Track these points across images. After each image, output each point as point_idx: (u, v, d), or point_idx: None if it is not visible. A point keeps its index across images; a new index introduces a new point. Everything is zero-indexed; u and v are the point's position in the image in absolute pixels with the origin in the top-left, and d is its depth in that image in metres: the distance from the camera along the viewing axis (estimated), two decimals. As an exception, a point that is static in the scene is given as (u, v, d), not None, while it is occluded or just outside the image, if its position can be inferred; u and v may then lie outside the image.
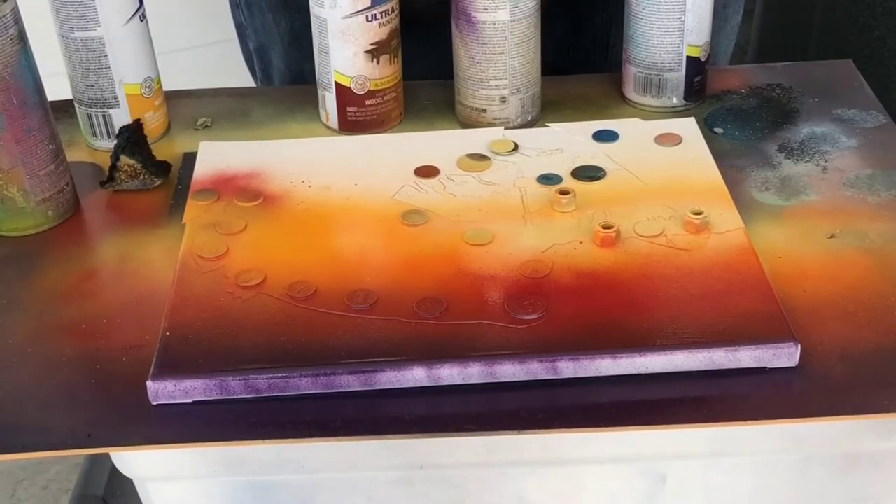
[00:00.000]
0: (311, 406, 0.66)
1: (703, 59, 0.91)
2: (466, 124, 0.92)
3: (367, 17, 0.86)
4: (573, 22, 1.11)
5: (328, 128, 0.92)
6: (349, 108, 0.90)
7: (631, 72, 0.93)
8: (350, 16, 0.85)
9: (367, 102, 0.90)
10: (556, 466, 0.72)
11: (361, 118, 0.90)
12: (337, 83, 0.89)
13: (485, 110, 0.90)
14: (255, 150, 0.87)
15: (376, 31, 0.87)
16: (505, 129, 0.89)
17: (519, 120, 0.91)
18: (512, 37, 0.87)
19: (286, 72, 1.12)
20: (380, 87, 0.90)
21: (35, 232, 0.81)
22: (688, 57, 0.90)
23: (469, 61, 0.89)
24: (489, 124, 0.90)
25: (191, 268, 0.74)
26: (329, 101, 0.91)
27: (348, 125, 0.91)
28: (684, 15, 0.88)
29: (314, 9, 0.87)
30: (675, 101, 0.92)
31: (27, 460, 1.52)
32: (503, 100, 0.89)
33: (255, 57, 1.16)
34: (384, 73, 0.89)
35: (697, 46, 0.90)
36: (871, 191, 0.82)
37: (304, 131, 0.92)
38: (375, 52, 0.88)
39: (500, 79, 0.89)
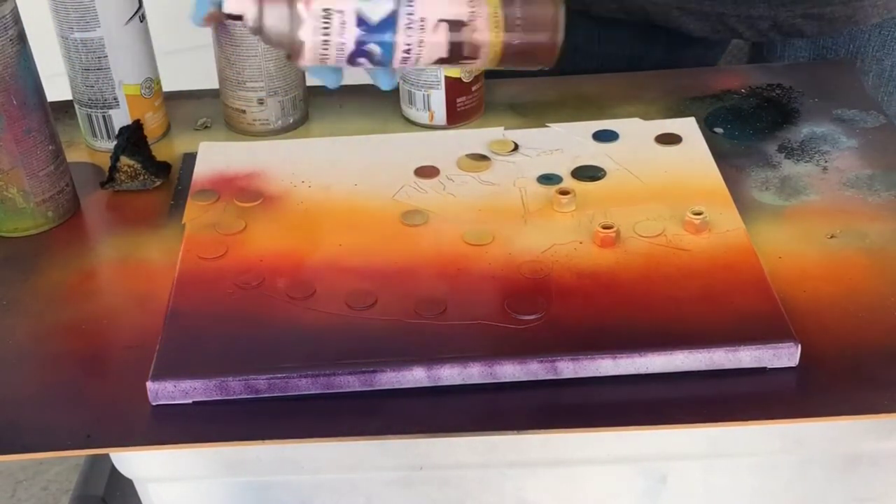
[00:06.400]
0: (311, 406, 0.66)
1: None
2: (230, 125, 0.92)
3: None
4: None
5: (431, 127, 0.91)
6: (458, 99, 0.90)
7: None
8: None
9: (473, 88, 0.91)
10: (556, 466, 0.72)
11: (469, 106, 0.91)
12: (447, 77, 0.89)
13: (244, 111, 0.90)
14: (255, 151, 0.87)
15: None
16: (266, 130, 0.90)
17: (280, 122, 0.91)
18: None
19: None
20: (479, 70, 0.91)
21: (35, 233, 0.81)
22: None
23: (226, 62, 0.89)
24: (250, 125, 0.91)
25: (191, 268, 0.74)
26: (436, 99, 0.90)
27: (456, 117, 0.91)
28: None
29: None
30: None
31: (27, 460, 1.52)
32: (261, 101, 0.89)
33: None
34: None
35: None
36: (871, 191, 0.82)
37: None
38: None
39: (256, 80, 0.89)
